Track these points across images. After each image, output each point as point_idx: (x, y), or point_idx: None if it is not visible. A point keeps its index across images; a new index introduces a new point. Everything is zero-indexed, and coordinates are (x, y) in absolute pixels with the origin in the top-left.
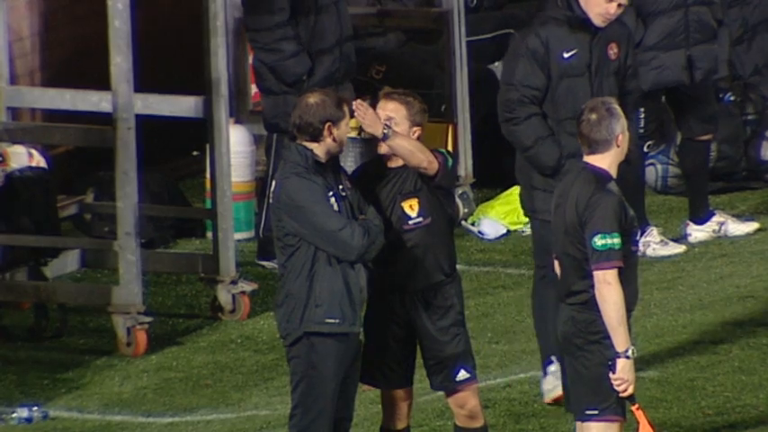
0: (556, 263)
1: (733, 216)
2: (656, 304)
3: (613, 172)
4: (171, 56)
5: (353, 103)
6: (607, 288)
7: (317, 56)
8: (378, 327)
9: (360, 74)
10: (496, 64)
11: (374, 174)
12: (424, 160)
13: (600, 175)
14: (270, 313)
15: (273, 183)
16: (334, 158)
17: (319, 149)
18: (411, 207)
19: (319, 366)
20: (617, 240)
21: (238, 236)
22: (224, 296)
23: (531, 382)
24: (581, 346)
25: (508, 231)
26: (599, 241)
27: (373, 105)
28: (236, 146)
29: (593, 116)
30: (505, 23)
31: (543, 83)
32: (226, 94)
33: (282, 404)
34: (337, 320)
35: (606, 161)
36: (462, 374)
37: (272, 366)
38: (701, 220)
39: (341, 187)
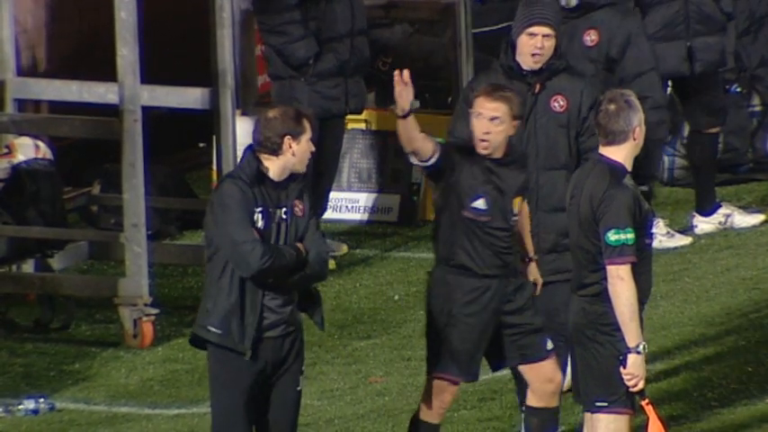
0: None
1: (739, 208)
2: (663, 296)
3: (628, 165)
4: (177, 47)
5: (395, 72)
6: (620, 283)
7: (325, 44)
8: (473, 319)
9: (367, 66)
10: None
11: (471, 158)
12: (419, 147)
13: (615, 169)
14: None
15: None
16: (291, 178)
17: (276, 163)
18: (516, 204)
19: (213, 371)
20: (631, 236)
21: None
22: None
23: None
24: (592, 337)
25: None
26: (613, 236)
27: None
28: (243, 137)
29: (612, 107)
30: (512, 15)
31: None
32: (232, 85)
33: None
34: (219, 332)
35: (622, 153)
36: (549, 344)
37: None
38: (707, 211)
39: (283, 209)
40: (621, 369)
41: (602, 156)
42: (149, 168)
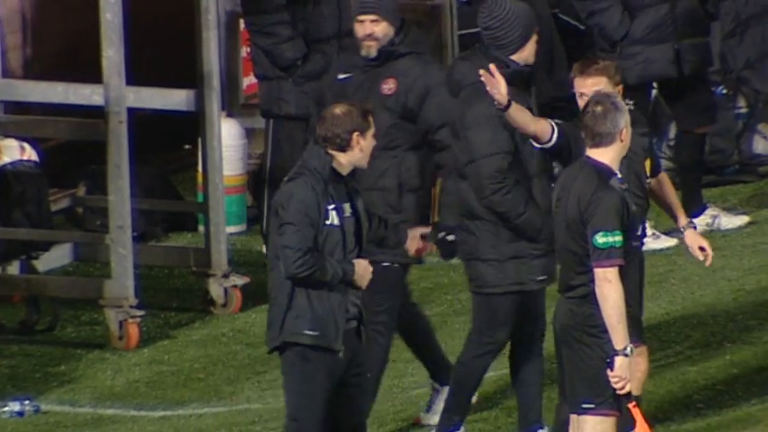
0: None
1: (725, 210)
2: (648, 297)
3: (615, 167)
4: (163, 49)
5: (481, 71)
6: (608, 286)
7: (313, 45)
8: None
9: None
10: None
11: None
12: (538, 129)
13: (602, 171)
14: (263, 306)
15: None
16: (351, 174)
17: (345, 159)
18: (647, 165)
19: (305, 373)
20: (618, 238)
21: (230, 229)
22: (216, 290)
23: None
24: (579, 339)
25: None
26: (600, 239)
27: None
28: (228, 139)
29: (599, 108)
30: None
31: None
32: (218, 87)
33: (274, 397)
34: (317, 333)
35: (609, 155)
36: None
37: (265, 360)
38: (694, 213)
39: (349, 204)
40: (609, 371)
41: (589, 158)
42: (135, 170)
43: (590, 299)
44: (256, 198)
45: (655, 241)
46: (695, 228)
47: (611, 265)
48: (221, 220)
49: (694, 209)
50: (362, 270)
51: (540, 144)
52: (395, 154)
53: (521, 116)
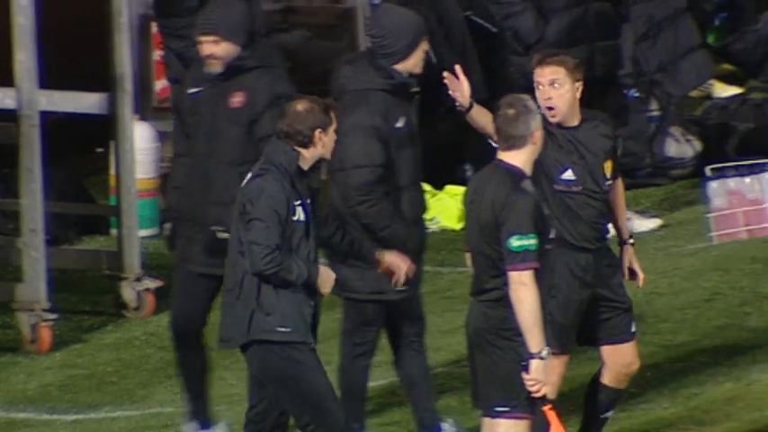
0: (468, 258)
1: (637, 212)
2: None
3: (528, 169)
4: (75, 53)
5: (445, 74)
6: (523, 289)
7: None
8: (571, 292)
9: None
10: None
11: (549, 132)
12: (494, 133)
13: (514, 174)
14: None
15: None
16: (312, 169)
17: (307, 155)
18: (608, 168)
19: (288, 371)
20: (533, 241)
21: (143, 233)
22: (128, 293)
23: (436, 377)
24: (492, 342)
25: None
26: (515, 242)
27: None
28: (141, 142)
29: (511, 111)
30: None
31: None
32: (130, 90)
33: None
34: (289, 329)
35: (521, 158)
36: (633, 326)
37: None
38: None
39: (308, 200)
40: (524, 374)
41: (501, 161)
42: (47, 173)
43: (504, 302)
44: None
45: None
46: (633, 245)
47: (526, 269)
48: (134, 223)
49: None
50: (326, 275)
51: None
52: (243, 169)
53: (481, 118)
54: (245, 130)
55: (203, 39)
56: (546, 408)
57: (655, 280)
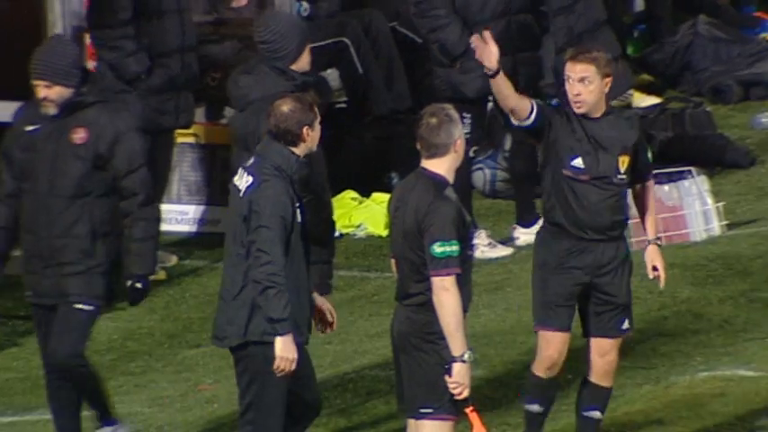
0: (393, 264)
1: None
2: (485, 305)
3: (450, 177)
4: (12, 64)
5: (473, 39)
6: (445, 294)
7: (157, 58)
8: (561, 276)
9: (197, 82)
10: (329, 71)
11: (569, 118)
12: (517, 106)
13: (437, 182)
14: (108, 315)
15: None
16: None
17: (298, 152)
18: (623, 162)
19: (271, 371)
20: (455, 248)
21: None
22: None
23: (363, 379)
24: (417, 345)
25: (340, 234)
26: (438, 249)
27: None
28: None
29: (434, 120)
30: (338, 31)
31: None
32: None
33: (120, 403)
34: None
35: (444, 166)
36: (626, 324)
37: (111, 367)
38: (528, 223)
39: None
40: (447, 377)
41: (425, 169)
42: None
43: (427, 306)
44: None
45: (491, 250)
46: (659, 245)
47: (449, 274)
48: None
49: (528, 218)
50: (288, 351)
51: (517, 121)
52: (86, 201)
53: (505, 88)
54: (89, 165)
55: (37, 82)
56: (468, 410)
57: None
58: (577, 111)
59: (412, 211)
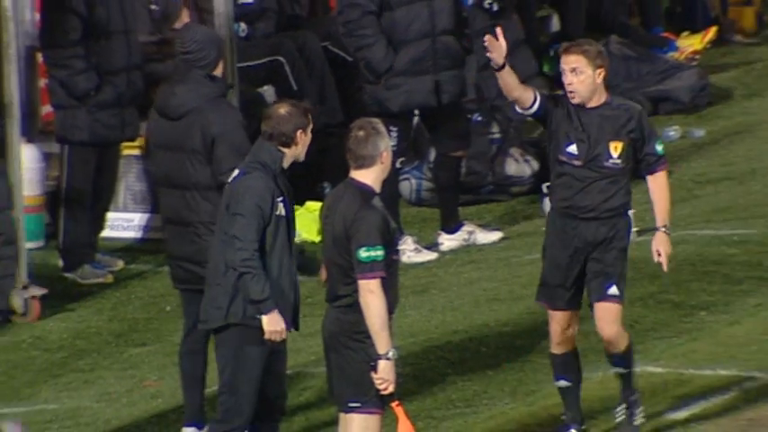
0: (323, 268)
1: (480, 226)
2: (411, 306)
3: (377, 187)
4: None
5: (486, 37)
6: (371, 296)
7: (105, 76)
8: (558, 254)
9: (141, 97)
10: (265, 87)
11: (568, 108)
12: (520, 96)
13: (365, 191)
14: (58, 315)
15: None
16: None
17: (289, 154)
18: (615, 148)
19: (247, 352)
20: (380, 253)
21: (29, 245)
22: (16, 300)
23: (297, 375)
24: (345, 344)
25: None
26: (364, 254)
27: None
28: (28, 163)
29: (361, 133)
30: (274, 50)
31: None
32: (18, 116)
33: (70, 399)
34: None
35: (371, 176)
36: (613, 290)
37: (61, 364)
38: (451, 229)
39: (288, 197)
40: (373, 374)
41: (352, 180)
42: None
43: (355, 307)
44: (53, 216)
45: (417, 255)
46: (667, 233)
47: (374, 277)
48: (21, 236)
49: (452, 225)
50: (274, 324)
51: (521, 110)
52: None
53: (509, 80)
54: None
55: None
56: (394, 404)
57: (496, 287)
58: (572, 100)
59: (340, 218)
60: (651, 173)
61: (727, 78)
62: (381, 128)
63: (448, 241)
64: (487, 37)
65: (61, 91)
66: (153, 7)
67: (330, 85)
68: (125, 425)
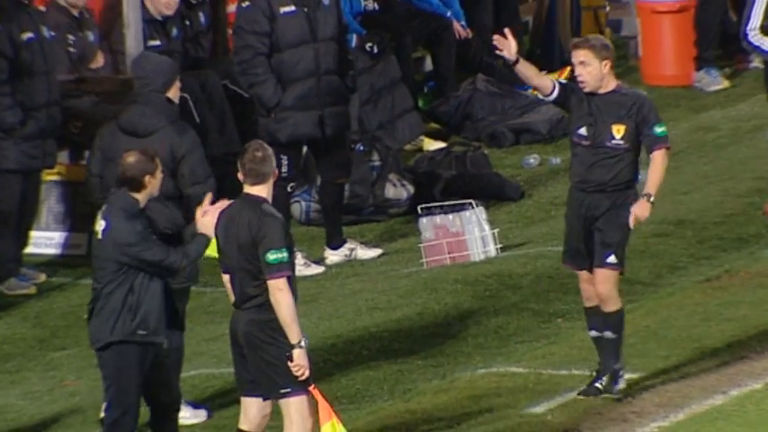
0: (226, 277)
1: (362, 243)
2: (301, 314)
3: (269, 200)
4: None
5: (495, 37)
6: (280, 294)
7: (28, 111)
8: (571, 222)
9: (60, 130)
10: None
11: (581, 95)
12: (540, 84)
13: (263, 203)
14: None
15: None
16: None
17: (141, 197)
18: (618, 131)
19: (125, 369)
20: (285, 254)
21: None
22: None
23: (206, 377)
24: (263, 340)
25: None
26: (271, 256)
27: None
28: None
29: (259, 154)
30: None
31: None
32: None
33: None
34: (146, 332)
35: (266, 191)
36: (612, 258)
37: None
38: (336, 246)
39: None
40: (289, 362)
41: (248, 194)
42: None
43: (266, 306)
44: None
45: (306, 269)
46: (649, 201)
47: (282, 276)
48: None
49: (336, 242)
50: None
51: (542, 96)
52: None
53: (527, 71)
54: None
55: None
56: (311, 387)
57: (376, 297)
58: (583, 89)
59: (245, 227)
60: (650, 151)
61: None
62: (270, 149)
63: (333, 256)
64: (496, 37)
65: None
66: (71, 49)
67: (229, 118)
68: (47, 419)
